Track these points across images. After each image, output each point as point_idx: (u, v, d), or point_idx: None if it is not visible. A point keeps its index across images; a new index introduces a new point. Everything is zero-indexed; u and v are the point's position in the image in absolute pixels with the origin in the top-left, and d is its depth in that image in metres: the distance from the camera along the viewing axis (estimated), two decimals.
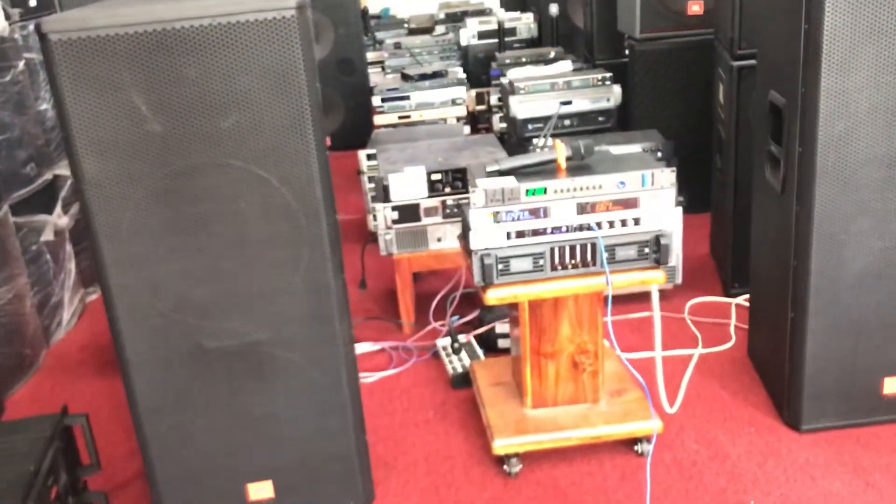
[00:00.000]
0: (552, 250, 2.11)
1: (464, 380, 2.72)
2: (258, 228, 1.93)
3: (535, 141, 3.39)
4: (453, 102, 4.70)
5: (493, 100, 4.99)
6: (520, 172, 2.13)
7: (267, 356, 2.04)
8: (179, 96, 1.80)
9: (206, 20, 1.75)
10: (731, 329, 2.97)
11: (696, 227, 3.78)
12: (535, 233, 2.09)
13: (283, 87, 1.83)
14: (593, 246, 2.11)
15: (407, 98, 4.65)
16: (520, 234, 2.09)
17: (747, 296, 3.09)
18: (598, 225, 2.10)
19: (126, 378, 2.01)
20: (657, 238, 2.11)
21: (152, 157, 1.84)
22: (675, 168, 3.05)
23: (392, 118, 4.67)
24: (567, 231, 2.10)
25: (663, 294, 3.21)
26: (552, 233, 2.10)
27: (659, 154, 3.06)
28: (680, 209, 3.07)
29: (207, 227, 1.91)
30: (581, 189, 2.07)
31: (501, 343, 2.89)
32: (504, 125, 4.38)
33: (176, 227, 1.90)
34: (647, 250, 2.13)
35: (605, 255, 2.11)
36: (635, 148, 3.04)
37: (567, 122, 3.85)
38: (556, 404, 2.38)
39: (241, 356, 2.03)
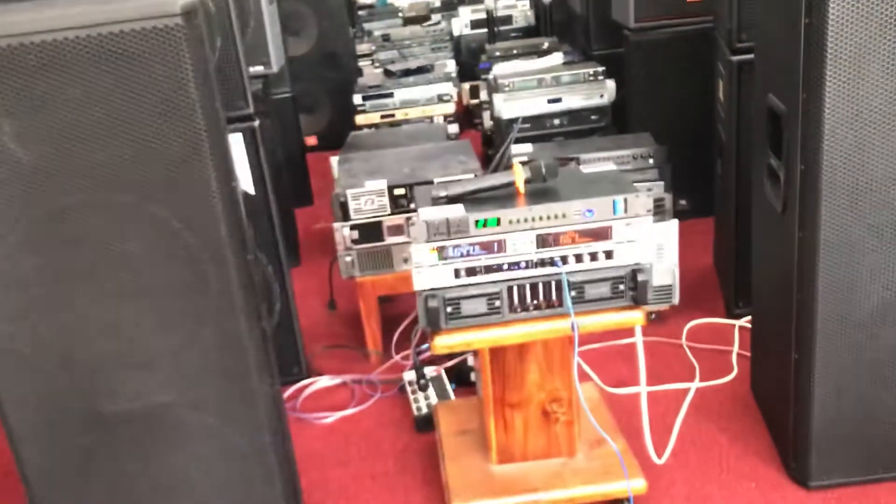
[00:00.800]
0: (510, 290, 1.80)
1: (429, 422, 2.42)
2: (154, 275, 1.64)
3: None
4: (440, 99, 4.39)
5: (485, 94, 4.66)
6: (470, 199, 1.82)
7: (176, 419, 1.75)
8: (48, 123, 1.51)
9: (71, 32, 1.45)
10: (734, 357, 2.64)
11: (699, 234, 3.44)
12: (489, 270, 1.78)
13: (172, 108, 1.53)
14: (558, 284, 1.80)
15: (390, 95, 4.34)
16: (471, 272, 1.78)
17: (750, 317, 2.76)
18: (563, 260, 1.78)
19: (13, 449, 1.73)
20: (634, 273, 1.80)
21: (20, 194, 1.55)
22: (663, 182, 2.76)
23: (374, 117, 4.36)
24: (526, 267, 1.79)
25: (660, 315, 2.89)
26: (509, 269, 1.79)
27: (650, 160, 2.73)
28: (674, 223, 2.74)
29: (93, 275, 1.62)
30: (541, 218, 1.75)
31: (475, 377, 2.58)
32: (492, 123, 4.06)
33: (55, 275, 1.61)
34: (622, 287, 1.81)
35: (569, 294, 1.79)
36: (625, 153, 2.72)
37: (556, 121, 3.52)
38: (526, 459, 2.08)
39: (146, 420, 1.75)
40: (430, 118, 4.41)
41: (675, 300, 2.82)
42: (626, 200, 1.76)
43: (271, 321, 2.68)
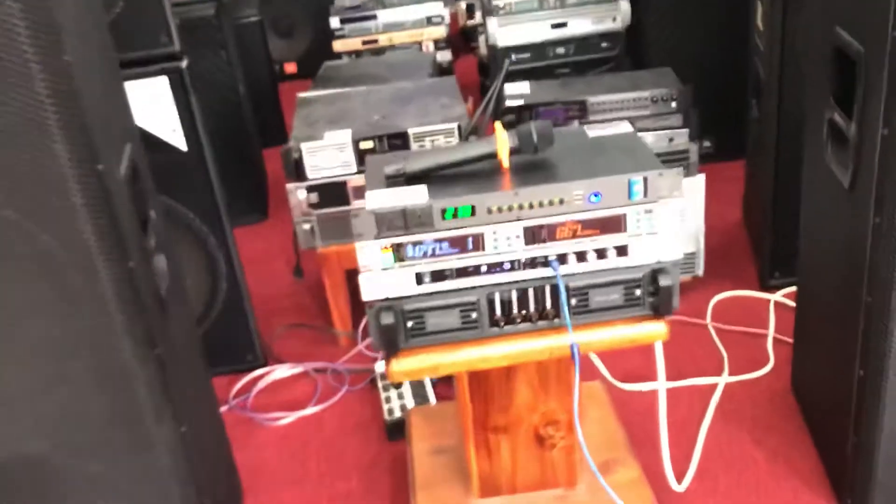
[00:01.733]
0: (491, 298, 1.35)
1: (402, 428, 2.00)
2: (6, 293, 1.20)
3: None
4: (429, 22, 3.86)
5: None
6: (437, 178, 1.36)
7: (54, 472, 1.34)
8: None
9: None
10: (769, 344, 2.21)
11: (726, 182, 2.96)
12: (463, 273, 1.33)
13: None
14: (555, 289, 1.35)
15: (372, 18, 3.82)
16: (438, 277, 1.33)
17: (792, 290, 2.32)
18: (561, 259, 1.33)
19: None
20: (654, 275, 1.35)
21: None
22: (687, 129, 2.27)
23: (355, 43, 3.86)
24: (512, 269, 1.34)
25: (682, 288, 2.44)
26: (489, 272, 1.34)
27: (673, 104, 2.24)
28: (701, 179, 2.28)
29: None
30: (531, 205, 1.29)
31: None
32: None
33: None
34: (638, 293, 1.36)
35: (567, 303, 1.35)
36: (642, 95, 2.23)
37: (560, 50, 3.02)
38: (515, 491, 1.67)
39: (15, 472, 1.33)
40: (419, 43, 3.89)
41: (700, 271, 2.37)
42: (646, 180, 1.29)
43: (216, 304, 2.25)
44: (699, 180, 2.27)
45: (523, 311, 1.37)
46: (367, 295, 1.33)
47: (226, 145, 3.09)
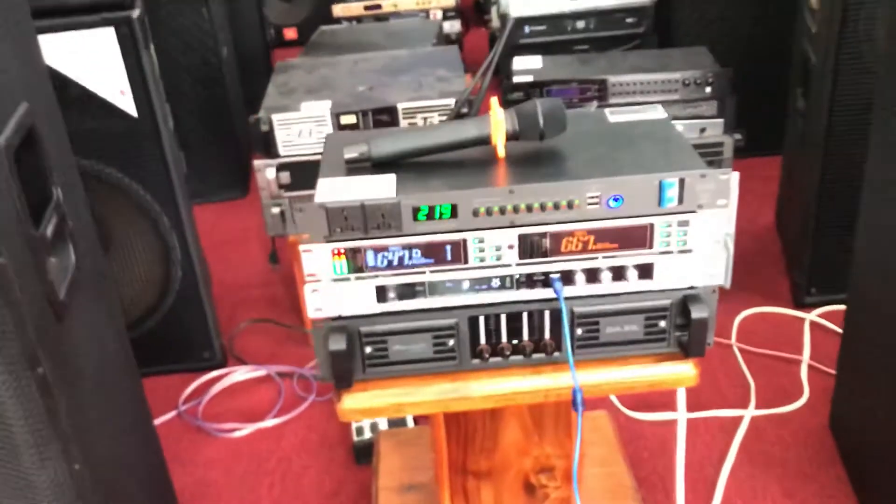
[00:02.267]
0: (473, 322, 1.05)
1: (373, 452, 1.72)
2: None
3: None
4: None
5: None
6: (412, 165, 1.06)
7: None
8: None
9: None
10: (803, 371, 1.90)
11: (758, 180, 2.65)
12: (438, 290, 1.03)
13: None
14: (554, 316, 1.05)
15: None
16: (406, 293, 1.03)
17: (830, 309, 2.02)
18: (566, 278, 1.03)
19: None
20: (684, 304, 1.05)
21: None
22: (722, 120, 1.96)
23: (356, 8, 3.55)
24: (502, 287, 1.04)
25: None
26: (472, 290, 1.04)
27: (708, 90, 1.93)
28: (735, 177, 1.96)
29: None
30: (530, 208, 0.99)
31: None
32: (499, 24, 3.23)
33: None
34: (662, 324, 1.06)
35: (570, 334, 1.05)
36: (672, 77, 1.91)
37: (580, 24, 2.70)
38: None
39: None
40: (426, 12, 3.58)
41: (727, 282, 2.06)
42: (682, 182, 0.99)
43: (168, 294, 1.96)
44: (733, 178, 1.96)
45: (514, 341, 1.07)
46: (313, 311, 1.04)
47: (203, 113, 2.80)
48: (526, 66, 2.03)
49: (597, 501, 1.47)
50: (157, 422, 1.90)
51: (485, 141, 1.05)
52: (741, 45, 2.65)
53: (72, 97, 1.73)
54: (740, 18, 2.62)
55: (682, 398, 1.26)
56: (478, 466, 1.30)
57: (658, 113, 1.16)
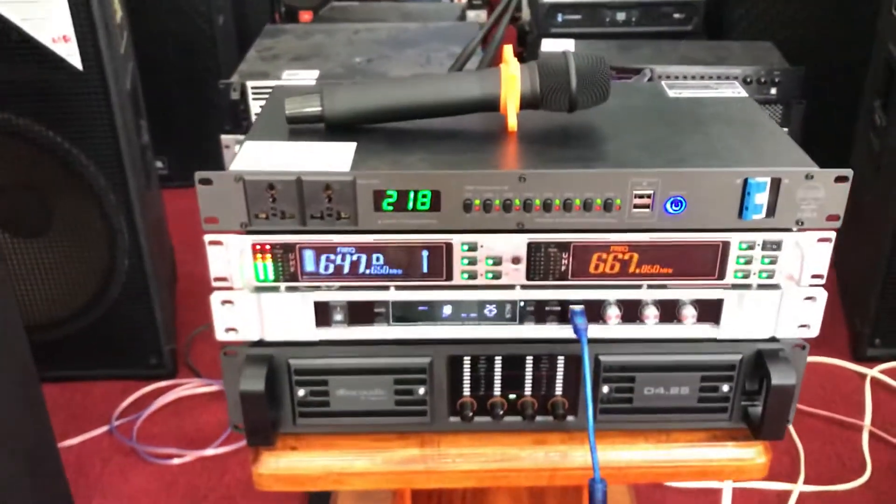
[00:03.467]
0: (453, 365, 0.73)
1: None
2: None
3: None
4: None
5: None
6: (382, 131, 0.74)
7: None
8: None
9: None
10: (864, 440, 1.57)
11: None
12: (405, 316, 0.71)
13: None
14: (571, 365, 0.73)
15: None
16: (360, 316, 0.71)
17: (894, 365, 1.69)
18: (592, 313, 0.71)
19: None
20: (759, 362, 0.72)
21: None
22: (787, 129, 1.63)
23: None
24: (499, 319, 0.72)
25: None
26: (457, 320, 0.72)
27: (773, 91, 1.61)
28: None
29: None
30: (546, 205, 0.67)
31: None
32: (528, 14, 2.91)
33: None
34: (725, 390, 0.74)
35: (591, 394, 0.73)
36: (732, 72, 1.59)
37: (621, 16, 2.38)
38: None
39: None
40: None
41: None
42: (777, 184, 0.66)
43: (112, 285, 1.65)
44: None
45: (512, 396, 0.75)
46: (223, 332, 0.72)
47: (189, 86, 2.49)
48: (554, 47, 1.71)
49: None
50: (82, 438, 1.60)
51: (491, 105, 0.73)
52: (807, 48, 2.32)
53: (3, 39, 1.43)
54: (805, 20, 2.29)
55: (728, 494, 0.94)
56: None
57: (735, 90, 0.84)
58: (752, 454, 0.76)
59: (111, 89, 1.49)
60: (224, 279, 0.70)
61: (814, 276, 0.70)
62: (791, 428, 1.58)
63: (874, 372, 1.72)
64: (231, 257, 0.68)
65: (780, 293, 0.71)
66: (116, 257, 1.63)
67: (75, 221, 1.61)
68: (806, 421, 1.62)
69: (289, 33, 1.81)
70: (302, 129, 0.74)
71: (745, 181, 0.66)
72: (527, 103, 0.73)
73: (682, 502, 1.44)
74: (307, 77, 1.55)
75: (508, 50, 0.73)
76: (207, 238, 0.68)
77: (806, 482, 1.47)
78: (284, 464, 0.76)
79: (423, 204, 0.67)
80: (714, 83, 0.86)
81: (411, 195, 0.66)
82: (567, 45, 1.72)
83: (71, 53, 1.46)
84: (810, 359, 1.77)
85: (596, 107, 0.73)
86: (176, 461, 1.54)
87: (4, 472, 1.06)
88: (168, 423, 1.64)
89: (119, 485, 1.50)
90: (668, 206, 0.67)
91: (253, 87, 1.54)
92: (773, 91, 1.60)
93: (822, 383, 1.72)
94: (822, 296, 0.71)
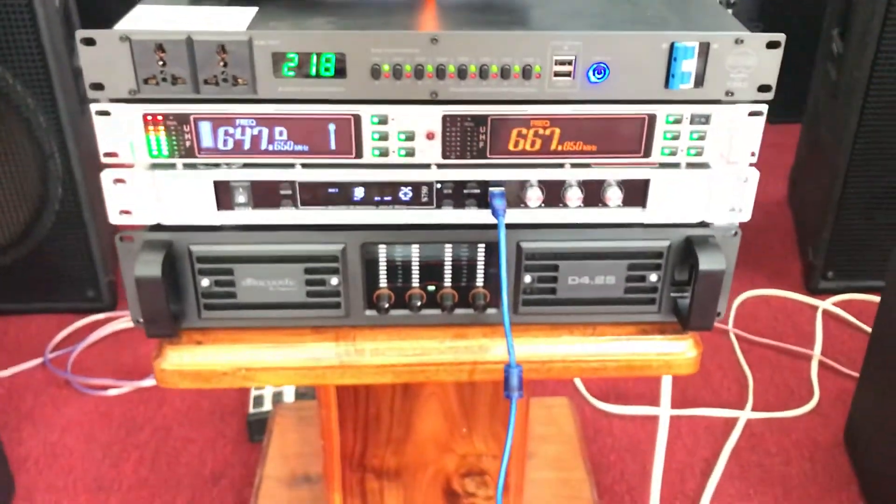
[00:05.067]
0: (368, 254, 0.69)
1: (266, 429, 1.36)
2: None
3: None
4: None
5: None
6: None
7: None
8: None
9: None
10: (813, 369, 1.56)
11: (772, 149, 2.29)
12: (315, 197, 0.67)
13: None
14: (494, 252, 0.69)
15: None
16: (264, 198, 0.67)
17: (849, 297, 1.69)
18: (512, 196, 0.67)
19: None
20: (689, 248, 0.69)
21: None
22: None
23: None
24: (415, 202, 0.68)
25: None
26: (370, 203, 0.67)
27: (729, 11, 1.56)
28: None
29: None
30: (461, 72, 0.62)
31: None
32: None
33: None
34: (654, 279, 0.71)
35: (505, 282, 0.69)
36: None
37: None
38: None
39: None
40: None
41: None
42: (706, 48, 0.62)
43: (45, 215, 1.59)
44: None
45: (431, 287, 0.71)
46: (117, 215, 0.67)
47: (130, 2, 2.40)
48: None
49: (560, 487, 1.12)
50: (14, 370, 1.54)
51: None
52: None
53: None
54: None
55: (666, 389, 0.92)
56: (382, 462, 0.95)
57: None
58: (682, 348, 0.73)
59: (36, 4, 1.42)
60: (114, 154, 0.64)
61: (745, 155, 0.66)
62: (741, 357, 1.58)
63: (826, 304, 1.71)
64: (121, 129, 0.63)
65: (710, 173, 0.67)
66: (49, 184, 1.57)
67: (4, 146, 1.53)
68: (756, 351, 1.60)
69: None
70: None
71: (672, 46, 0.62)
72: None
73: (626, 428, 1.42)
74: None
75: None
76: (94, 108, 0.62)
77: (754, 409, 1.46)
78: (189, 359, 0.71)
79: (326, 70, 0.62)
80: None
81: (314, 58, 0.61)
82: None
83: None
84: (764, 291, 1.76)
85: None
86: (112, 392, 1.50)
87: None
88: (105, 356, 1.58)
89: (51, 416, 1.45)
90: (590, 73, 0.62)
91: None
92: (730, 12, 1.55)
93: (775, 315, 1.70)
94: (755, 176, 0.68)
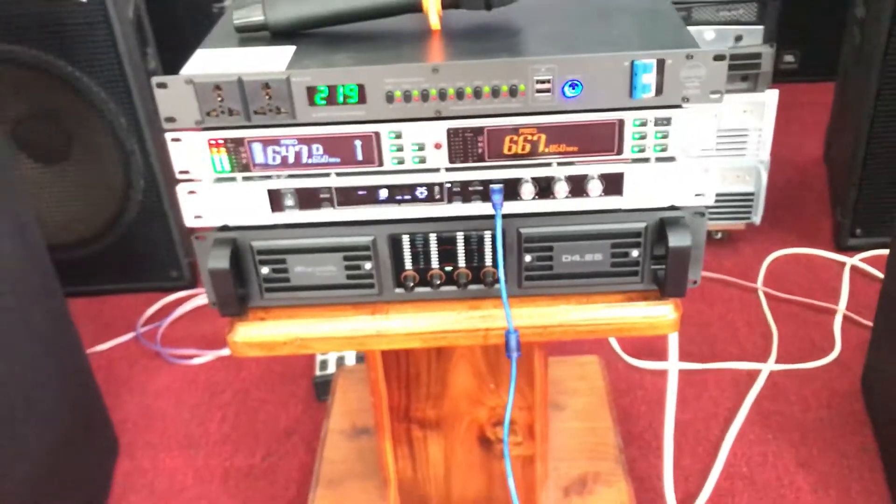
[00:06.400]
0: (395, 243, 0.84)
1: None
2: None
3: None
4: None
5: None
6: (321, 36, 0.83)
7: None
8: None
9: None
10: (837, 323, 1.65)
11: (810, 107, 2.38)
12: (347, 199, 0.82)
13: None
14: (493, 235, 0.83)
15: None
16: (308, 201, 0.82)
17: (876, 253, 1.77)
18: (509, 189, 0.81)
19: None
20: (661, 228, 0.81)
21: None
22: (763, 27, 1.66)
23: None
24: (430, 199, 0.82)
25: (730, 237, 1.89)
26: (394, 201, 0.82)
27: None
28: (773, 95, 1.69)
29: None
30: (460, 94, 0.76)
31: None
32: None
33: None
34: (635, 254, 0.84)
35: (502, 260, 0.83)
36: None
37: None
38: None
39: None
40: None
41: (757, 218, 1.81)
42: (661, 64, 0.74)
43: (129, 205, 1.78)
44: (770, 97, 1.69)
45: (448, 268, 0.86)
46: (192, 219, 0.83)
47: (194, 9, 2.57)
48: None
49: (571, 461, 1.26)
50: (111, 344, 1.75)
51: (415, 7, 0.81)
52: None
53: None
54: None
55: (673, 346, 1.04)
56: (423, 414, 1.10)
57: None
58: (664, 311, 0.86)
59: (113, 19, 1.59)
60: (186, 172, 0.80)
61: (705, 148, 0.79)
62: (768, 313, 1.68)
63: (853, 260, 1.79)
64: (190, 152, 0.79)
65: (675, 165, 0.79)
66: (132, 178, 1.76)
67: (91, 146, 1.73)
68: (784, 307, 1.70)
69: None
70: (250, 36, 0.83)
71: (633, 63, 0.74)
72: (446, 4, 0.81)
73: (656, 383, 1.55)
74: None
75: None
76: (168, 136, 0.78)
77: (777, 362, 1.57)
78: (255, 332, 0.88)
79: (350, 98, 0.76)
80: None
81: (340, 89, 0.76)
82: None
83: None
84: (794, 250, 1.85)
85: (514, 3, 0.81)
86: (196, 361, 1.69)
87: (35, 375, 1.21)
88: (189, 329, 1.78)
89: (145, 383, 1.65)
90: (565, 89, 0.75)
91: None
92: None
93: (803, 272, 1.80)
94: (714, 165, 0.80)
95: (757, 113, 1.71)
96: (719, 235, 1.88)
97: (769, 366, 1.55)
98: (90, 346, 1.72)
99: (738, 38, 1.68)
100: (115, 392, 1.63)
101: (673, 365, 1.08)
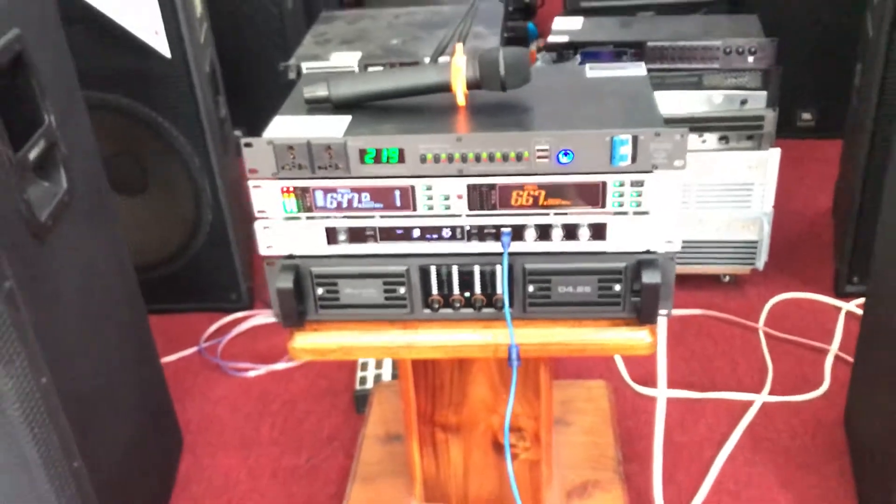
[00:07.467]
0: (424, 272, 1.05)
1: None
2: None
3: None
4: None
5: None
6: (372, 108, 1.05)
7: None
8: None
9: None
10: (828, 362, 1.82)
11: (823, 162, 2.54)
12: (389, 236, 1.03)
13: None
14: (508, 270, 1.04)
15: None
16: (357, 236, 1.04)
17: None
18: (517, 233, 1.01)
19: None
20: (638, 268, 1.01)
21: None
22: (766, 92, 1.85)
23: None
24: (453, 238, 1.03)
25: (736, 281, 2.07)
26: (424, 239, 1.03)
27: (750, 59, 1.84)
28: (774, 154, 1.88)
29: None
30: (478, 157, 0.97)
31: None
32: None
33: None
34: (617, 288, 1.03)
35: (507, 288, 1.04)
36: (711, 45, 1.83)
37: None
38: (467, 502, 1.38)
39: None
40: None
41: (760, 264, 1.98)
42: (635, 140, 0.95)
43: (199, 234, 2.02)
44: (772, 155, 1.88)
45: (466, 294, 1.06)
46: (264, 248, 1.05)
47: (259, 64, 2.84)
48: (565, 26, 1.98)
49: (574, 469, 1.45)
50: (177, 356, 1.98)
51: (445, 87, 1.03)
52: (818, 19, 2.51)
53: (110, 35, 1.79)
54: None
55: (662, 372, 1.22)
56: (446, 420, 1.30)
57: (638, 70, 1.12)
58: (641, 336, 1.05)
59: (193, 73, 1.85)
60: (263, 211, 1.02)
61: (672, 205, 0.98)
62: (766, 351, 1.85)
63: (849, 306, 1.96)
64: (267, 196, 1.01)
65: (649, 218, 0.99)
66: (201, 211, 2.00)
67: (167, 182, 1.98)
68: (780, 345, 1.87)
69: (340, 19, 2.13)
70: (316, 107, 1.06)
71: (613, 139, 0.95)
72: (472, 85, 1.03)
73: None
74: (352, 58, 1.87)
75: (459, 47, 1.03)
76: (251, 183, 1.01)
77: (770, 393, 1.74)
78: (310, 340, 1.09)
79: (392, 158, 0.98)
80: (625, 64, 1.13)
81: (385, 151, 0.97)
82: (576, 22, 1.99)
83: (161, 45, 1.81)
84: (796, 294, 2.02)
85: (519, 85, 1.03)
86: (251, 374, 1.91)
87: (120, 375, 1.43)
88: (245, 345, 2.01)
89: (206, 392, 1.88)
90: (559, 156, 0.96)
91: (307, 69, 1.86)
92: (751, 59, 1.84)
93: (802, 315, 1.96)
94: (680, 218, 1.00)
95: (761, 169, 1.89)
96: (727, 279, 2.06)
97: (762, 397, 1.72)
98: (160, 357, 1.95)
99: (744, 102, 1.88)
100: (180, 398, 1.85)
101: (661, 392, 1.26)
